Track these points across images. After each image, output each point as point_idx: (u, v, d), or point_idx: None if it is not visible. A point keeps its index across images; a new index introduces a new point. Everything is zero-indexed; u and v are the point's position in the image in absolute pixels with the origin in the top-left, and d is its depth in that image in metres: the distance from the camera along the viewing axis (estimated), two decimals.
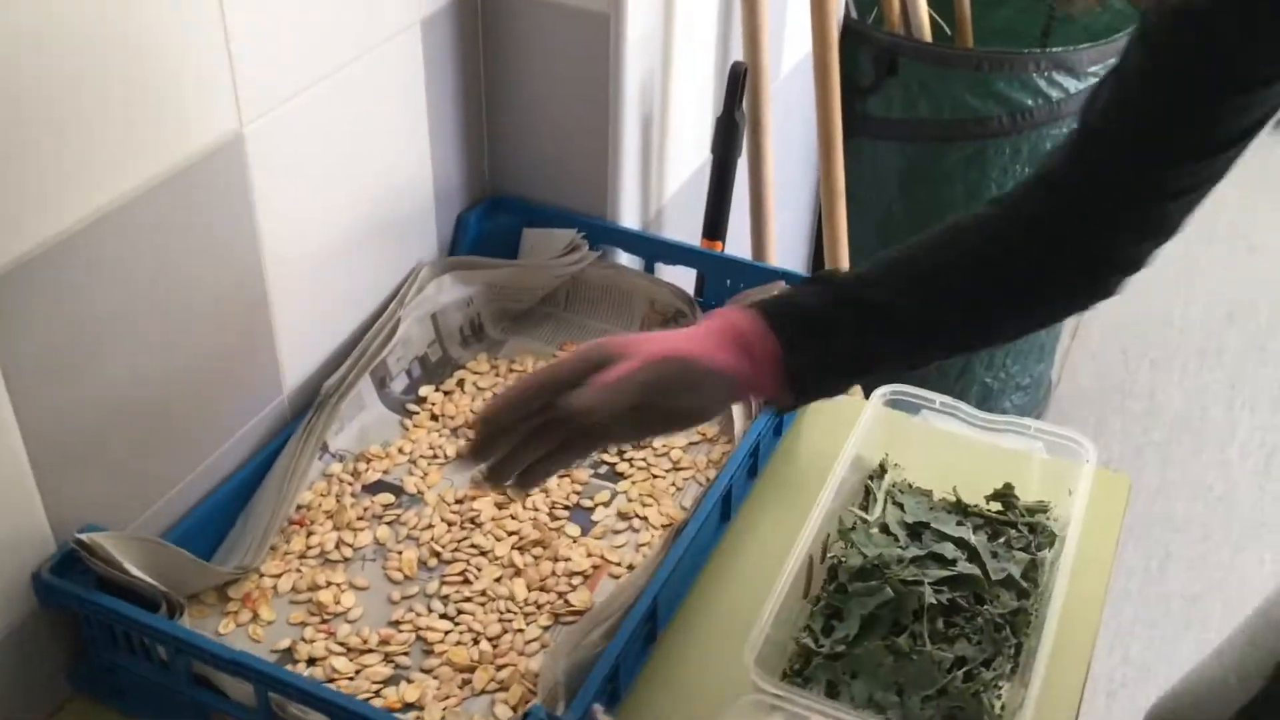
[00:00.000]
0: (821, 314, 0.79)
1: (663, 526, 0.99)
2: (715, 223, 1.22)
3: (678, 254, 1.17)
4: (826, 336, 0.78)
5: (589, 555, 0.96)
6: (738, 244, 1.37)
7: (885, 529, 0.97)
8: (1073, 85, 1.72)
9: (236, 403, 0.96)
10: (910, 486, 1.02)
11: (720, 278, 1.14)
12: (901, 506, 1.00)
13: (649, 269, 1.18)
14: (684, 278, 1.19)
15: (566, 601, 0.92)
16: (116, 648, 0.81)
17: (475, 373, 1.14)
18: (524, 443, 0.74)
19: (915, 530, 0.97)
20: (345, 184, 1.02)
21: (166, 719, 0.82)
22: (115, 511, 0.85)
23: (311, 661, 0.86)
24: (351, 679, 0.85)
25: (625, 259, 1.21)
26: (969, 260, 0.79)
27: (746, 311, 0.78)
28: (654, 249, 1.17)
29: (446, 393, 1.12)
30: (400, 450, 1.05)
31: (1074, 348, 2.43)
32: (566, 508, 1.00)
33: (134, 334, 0.83)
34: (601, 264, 1.18)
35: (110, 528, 0.83)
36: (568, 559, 0.95)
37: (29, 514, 0.79)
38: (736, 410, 1.05)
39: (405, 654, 0.88)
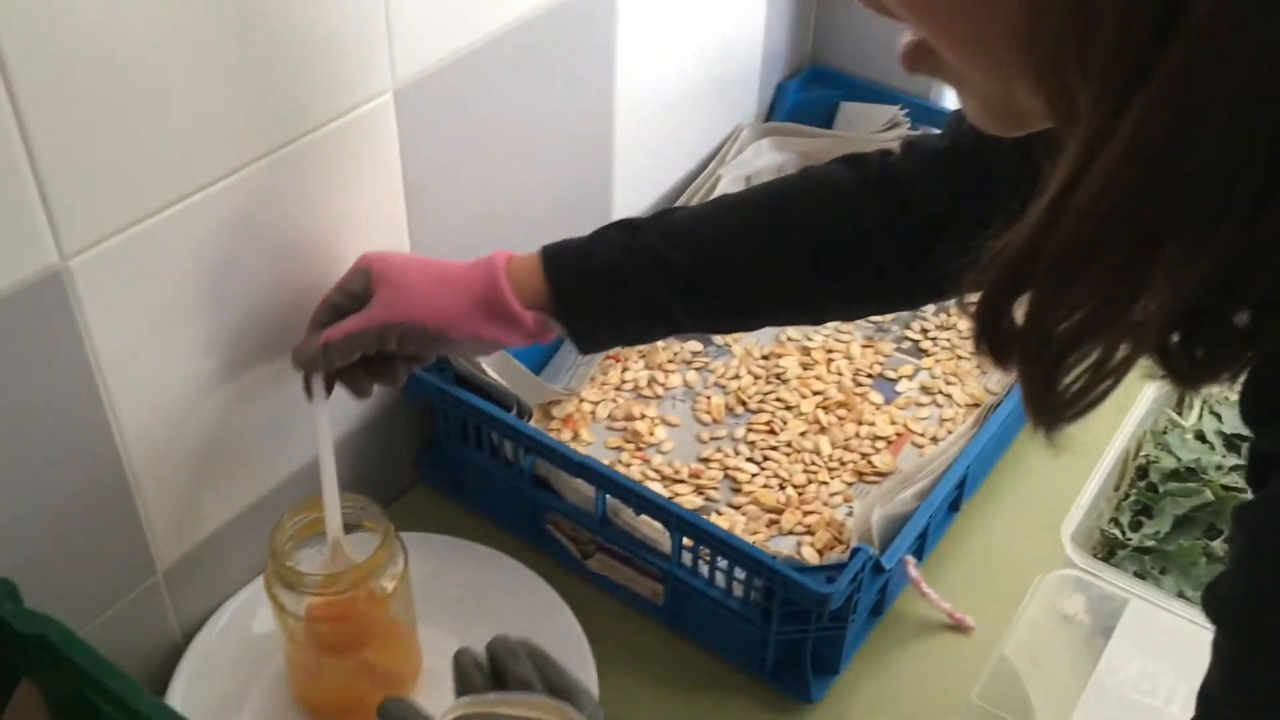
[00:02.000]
0: (614, 273, 0.70)
1: (967, 405, 1.00)
2: None
3: None
4: (615, 300, 0.70)
5: (893, 423, 0.97)
6: None
7: (1200, 436, 0.95)
8: None
9: (570, 235, 1.01)
10: (1228, 399, 0.99)
11: None
12: (1219, 417, 0.97)
13: None
14: None
15: (870, 463, 0.94)
16: (466, 442, 0.88)
17: None
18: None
19: (1232, 442, 0.94)
20: (689, 38, 1.04)
21: (501, 514, 0.89)
22: None
23: None
24: None
25: None
26: (799, 227, 0.70)
27: (527, 264, 0.71)
28: None
29: None
30: None
31: None
32: (870, 375, 1.02)
33: (500, 157, 0.88)
34: None
35: None
36: (872, 424, 0.97)
37: None
38: None
39: (715, 489, 0.92)
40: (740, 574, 0.77)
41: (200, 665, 0.77)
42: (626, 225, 0.72)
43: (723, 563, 0.78)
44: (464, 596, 0.83)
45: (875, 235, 0.70)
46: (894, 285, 0.72)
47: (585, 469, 0.80)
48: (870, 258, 0.71)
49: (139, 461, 0.69)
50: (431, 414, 0.89)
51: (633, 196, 1.05)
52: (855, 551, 0.75)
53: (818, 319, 0.75)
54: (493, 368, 0.87)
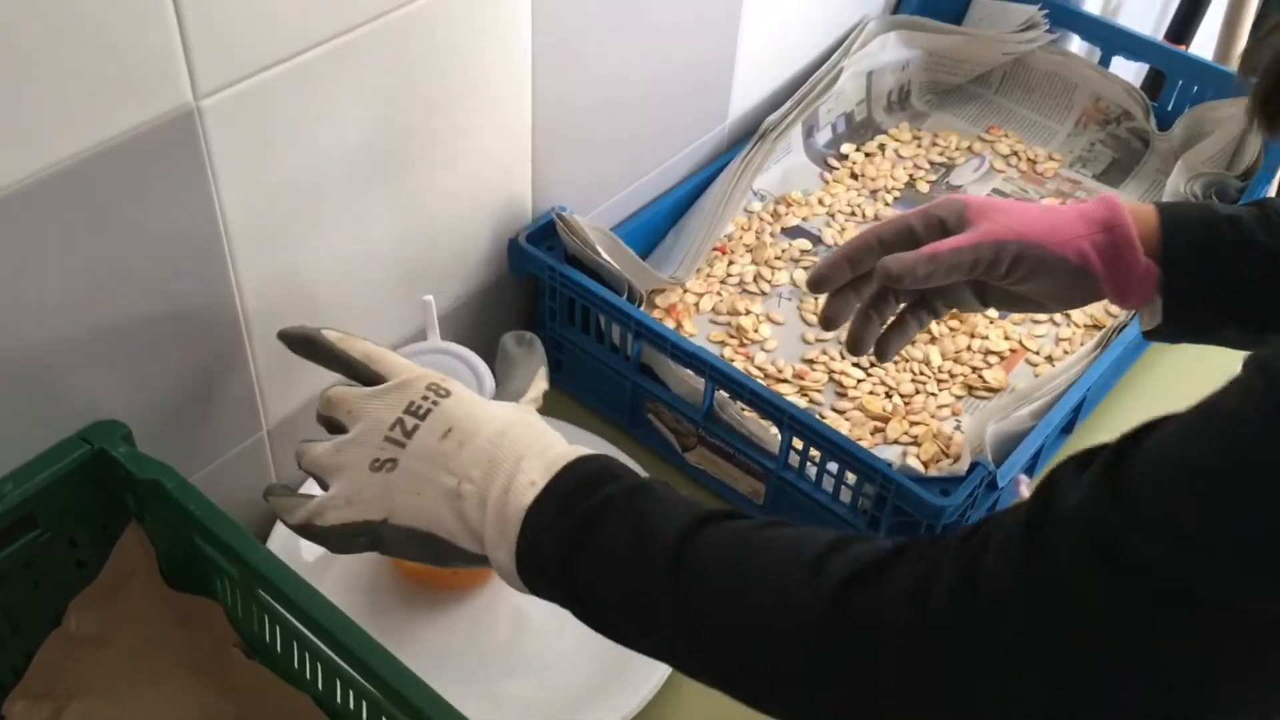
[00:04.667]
0: (1231, 240, 0.64)
1: (1085, 326, 0.96)
2: (1186, 24, 1.11)
3: (1143, 49, 1.08)
4: (1225, 268, 0.64)
5: (1007, 338, 0.94)
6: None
7: None
8: None
9: (687, 120, 0.98)
10: None
11: (1187, 83, 1.06)
12: None
13: (1104, 62, 1.10)
14: (1130, 80, 1.11)
15: (981, 377, 0.91)
16: (571, 323, 0.86)
17: (897, 140, 1.12)
18: (866, 311, 0.71)
19: None
20: None
21: (600, 399, 0.88)
22: (576, 202, 0.89)
23: None
24: None
25: (1077, 47, 1.13)
26: None
27: (1143, 208, 0.67)
28: (1116, 39, 1.09)
29: (868, 154, 1.10)
30: (820, 201, 1.05)
31: None
32: None
33: (627, 32, 0.84)
34: (1051, 49, 1.11)
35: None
36: (985, 337, 0.94)
37: (519, 187, 0.83)
38: None
39: (819, 391, 0.89)
40: (850, 480, 0.75)
41: None
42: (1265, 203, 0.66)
43: (832, 466, 0.76)
44: None
45: None
46: None
47: (697, 360, 0.78)
48: None
49: (255, 314, 0.68)
50: (536, 292, 0.87)
51: (754, 84, 1.01)
52: (974, 466, 0.73)
53: None
54: (603, 248, 0.85)
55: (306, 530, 0.55)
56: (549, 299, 0.86)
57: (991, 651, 0.43)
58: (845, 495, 0.76)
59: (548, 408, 0.86)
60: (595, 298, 0.82)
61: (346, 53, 0.64)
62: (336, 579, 0.75)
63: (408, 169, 0.73)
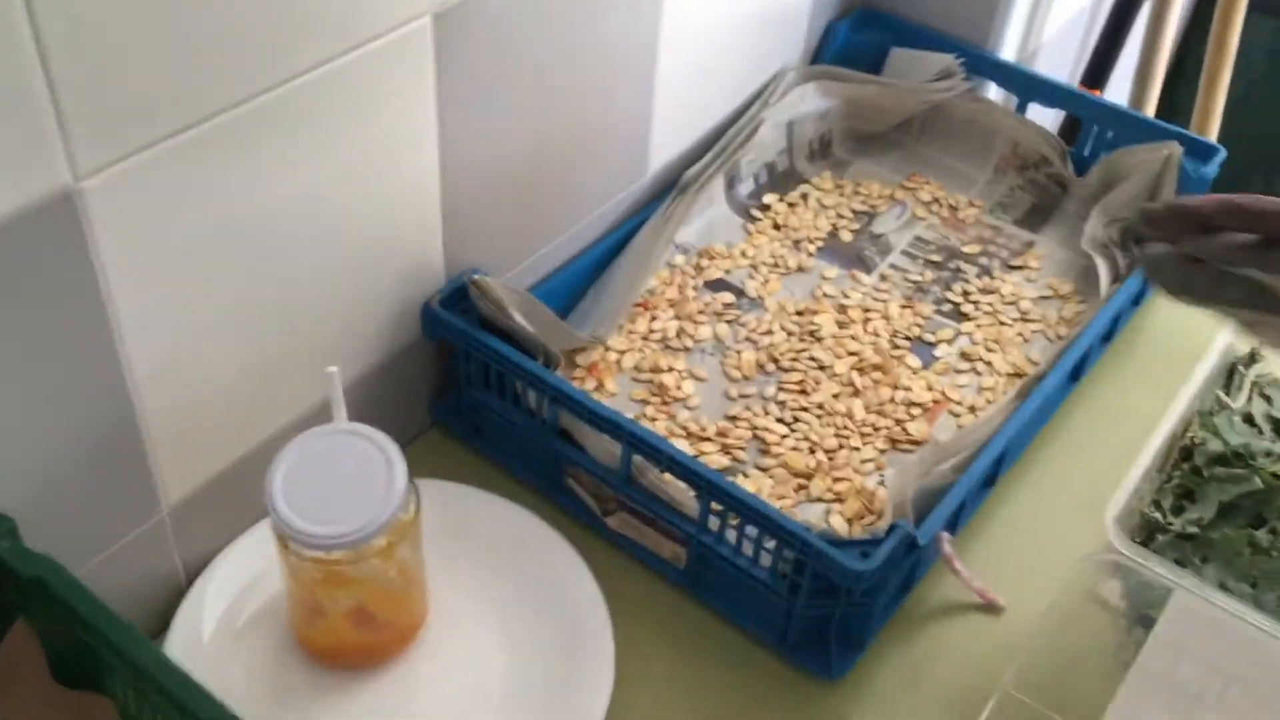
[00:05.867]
0: None
1: (1008, 374, 0.96)
2: (1100, 70, 1.12)
3: (1058, 95, 1.09)
4: None
5: (929, 389, 0.94)
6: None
7: (1249, 419, 0.91)
8: None
9: (605, 176, 0.97)
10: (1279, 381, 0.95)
11: (1102, 128, 1.07)
12: (1269, 400, 0.93)
13: (1021, 109, 1.11)
14: (1047, 126, 1.12)
15: (905, 430, 0.90)
16: (487, 388, 0.84)
17: (820, 189, 1.12)
18: (1188, 256, 0.65)
19: None
20: None
21: (519, 464, 0.86)
22: (492, 263, 0.87)
23: None
24: None
25: (994, 94, 1.14)
26: None
27: None
28: (1032, 87, 1.10)
29: (790, 204, 1.10)
30: (743, 253, 1.04)
31: None
32: (908, 338, 0.98)
33: (541, 88, 0.83)
34: (969, 96, 1.12)
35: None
36: (908, 389, 0.93)
37: (430, 250, 0.82)
38: (1103, 271, 0.99)
39: (743, 449, 0.88)
40: (769, 544, 0.74)
41: (202, 607, 0.74)
42: None
43: (751, 530, 0.74)
44: (477, 548, 0.80)
45: None
46: None
47: (612, 424, 0.76)
48: None
49: (148, 396, 0.66)
50: (452, 356, 0.86)
51: (672, 137, 1.01)
52: (893, 528, 0.72)
53: None
54: (518, 311, 0.83)
55: None
56: (464, 364, 0.84)
57: None
58: (765, 559, 0.75)
59: (469, 474, 0.84)
60: (509, 363, 0.80)
61: (237, 126, 0.62)
62: (242, 664, 0.72)
63: (304, 239, 0.71)
